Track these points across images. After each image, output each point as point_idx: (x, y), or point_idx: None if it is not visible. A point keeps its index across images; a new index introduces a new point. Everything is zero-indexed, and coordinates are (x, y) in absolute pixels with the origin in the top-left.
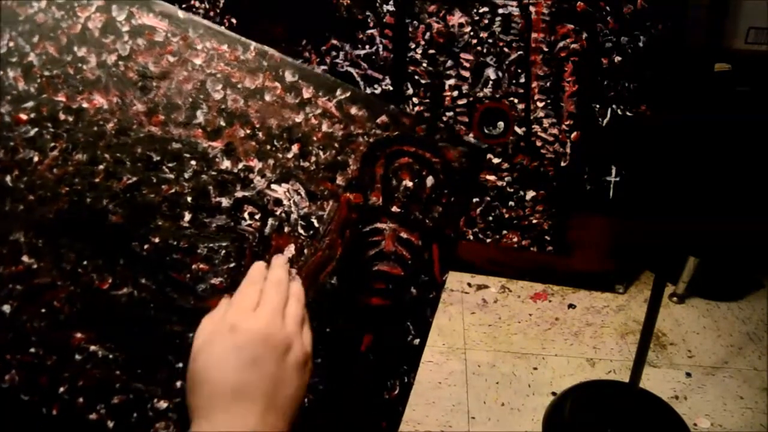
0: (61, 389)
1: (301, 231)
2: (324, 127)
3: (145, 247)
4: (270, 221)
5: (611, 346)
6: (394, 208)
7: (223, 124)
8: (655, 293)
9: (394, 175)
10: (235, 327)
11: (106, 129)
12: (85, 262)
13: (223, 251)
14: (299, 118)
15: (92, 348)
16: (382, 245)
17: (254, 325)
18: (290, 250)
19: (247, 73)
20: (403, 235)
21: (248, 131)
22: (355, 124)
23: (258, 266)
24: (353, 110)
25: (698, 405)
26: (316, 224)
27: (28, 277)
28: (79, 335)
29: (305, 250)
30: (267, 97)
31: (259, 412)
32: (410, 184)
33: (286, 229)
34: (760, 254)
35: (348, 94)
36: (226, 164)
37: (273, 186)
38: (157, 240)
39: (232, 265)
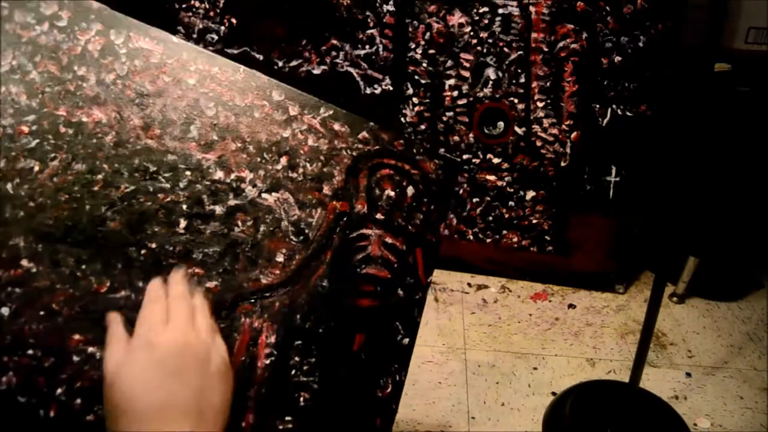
0: (59, 391)
1: (292, 236)
2: (310, 142)
3: (142, 252)
4: (262, 228)
5: (611, 346)
6: (379, 216)
7: (215, 138)
8: (655, 293)
9: (377, 185)
10: (151, 342)
11: (105, 141)
12: (83, 267)
13: (218, 256)
14: (287, 134)
15: (90, 350)
16: (368, 250)
17: (170, 337)
18: (179, 272)
19: (237, 92)
20: (388, 240)
21: (239, 145)
22: (339, 139)
23: (156, 284)
24: (336, 126)
25: (698, 405)
26: (306, 230)
27: (27, 280)
28: (77, 337)
29: (296, 255)
30: (256, 114)
31: (190, 423)
32: (392, 193)
33: (277, 235)
34: (760, 254)
35: (331, 112)
36: (219, 175)
37: (264, 195)
38: (153, 245)
39: (226, 268)
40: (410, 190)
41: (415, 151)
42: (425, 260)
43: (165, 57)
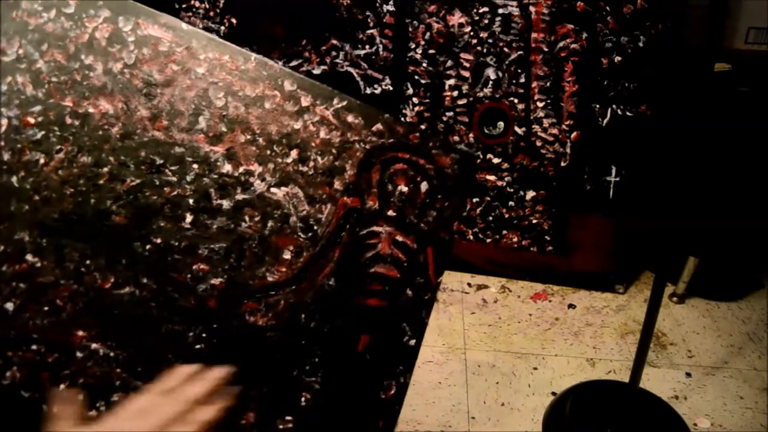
0: (62, 386)
1: (300, 233)
2: (322, 134)
3: (147, 247)
4: (270, 223)
5: (611, 346)
6: (390, 212)
7: (224, 129)
8: (655, 293)
9: (390, 180)
10: None
11: (111, 133)
12: (87, 262)
13: (224, 252)
14: (298, 125)
15: (93, 346)
16: (378, 248)
17: None
18: (219, 371)
19: (248, 82)
20: (399, 238)
21: (249, 137)
22: (352, 132)
23: (179, 372)
24: (350, 118)
25: (698, 405)
26: (315, 227)
27: (32, 275)
28: (80, 333)
29: (304, 252)
30: (267, 105)
31: None
32: (405, 189)
33: (285, 231)
34: (760, 254)
35: (345, 103)
36: (227, 168)
37: (273, 189)
38: (158, 240)
39: (232, 265)
40: (424, 186)
41: (431, 144)
42: (436, 260)
43: (174, 45)
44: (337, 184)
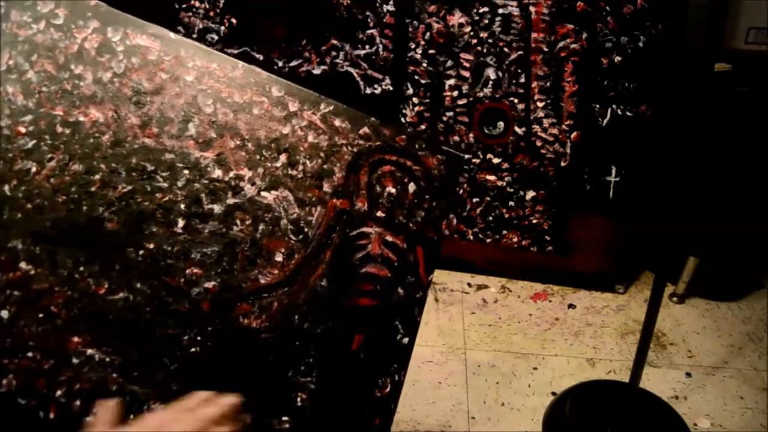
0: (58, 393)
1: (291, 235)
2: (310, 138)
3: (140, 252)
4: (261, 226)
5: (611, 346)
6: (379, 213)
7: (214, 135)
8: (655, 293)
9: (378, 182)
10: None
11: (102, 141)
12: (81, 268)
13: (216, 255)
14: (286, 130)
15: (89, 351)
16: (369, 248)
17: None
18: (232, 399)
19: (236, 89)
20: (389, 238)
21: (238, 142)
22: (339, 135)
23: (198, 397)
24: (337, 122)
25: (698, 405)
26: (306, 229)
27: (26, 282)
28: (76, 339)
29: (296, 254)
30: (255, 111)
31: None
32: (393, 190)
33: (276, 234)
34: (760, 254)
35: (332, 108)
36: (218, 173)
37: (263, 193)
38: (151, 246)
39: (224, 268)
40: (412, 187)
41: (417, 146)
42: (426, 258)
43: (162, 54)
44: (327, 187)
